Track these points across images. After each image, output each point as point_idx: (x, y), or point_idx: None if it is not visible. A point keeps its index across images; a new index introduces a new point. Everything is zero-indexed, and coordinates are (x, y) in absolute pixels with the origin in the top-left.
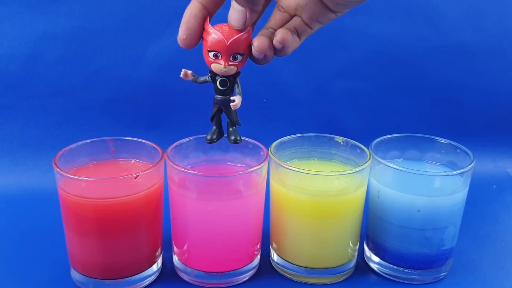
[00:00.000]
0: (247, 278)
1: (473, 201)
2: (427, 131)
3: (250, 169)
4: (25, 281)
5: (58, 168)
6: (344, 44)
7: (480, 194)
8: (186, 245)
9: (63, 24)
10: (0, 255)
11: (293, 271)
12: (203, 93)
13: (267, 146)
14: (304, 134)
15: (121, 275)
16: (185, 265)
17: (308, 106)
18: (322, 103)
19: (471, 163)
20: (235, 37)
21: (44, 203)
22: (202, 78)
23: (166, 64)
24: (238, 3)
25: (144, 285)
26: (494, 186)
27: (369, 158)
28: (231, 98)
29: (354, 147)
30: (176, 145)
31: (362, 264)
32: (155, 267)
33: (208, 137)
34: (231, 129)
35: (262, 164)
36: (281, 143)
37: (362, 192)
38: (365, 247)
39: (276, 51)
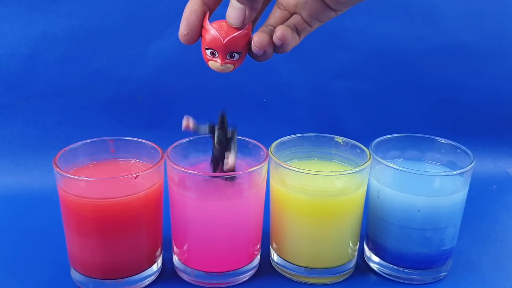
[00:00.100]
0: (247, 278)
1: (473, 201)
2: (427, 131)
3: (250, 169)
4: (25, 281)
5: (58, 168)
6: (344, 44)
7: (480, 194)
8: (186, 245)
9: (63, 24)
10: (0, 255)
11: (293, 271)
12: (203, 93)
13: (267, 146)
14: (304, 134)
15: (121, 275)
16: (185, 265)
17: (308, 106)
18: (322, 103)
19: (471, 163)
20: (232, 35)
21: (44, 203)
22: (202, 130)
23: (166, 64)
24: (238, 1)
25: (144, 285)
26: (494, 186)
27: (369, 158)
28: (226, 155)
29: (354, 147)
30: (176, 145)
31: (362, 264)
32: (155, 267)
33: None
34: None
35: (262, 164)
36: (281, 143)
37: (362, 192)
38: (365, 247)
39: (275, 48)
